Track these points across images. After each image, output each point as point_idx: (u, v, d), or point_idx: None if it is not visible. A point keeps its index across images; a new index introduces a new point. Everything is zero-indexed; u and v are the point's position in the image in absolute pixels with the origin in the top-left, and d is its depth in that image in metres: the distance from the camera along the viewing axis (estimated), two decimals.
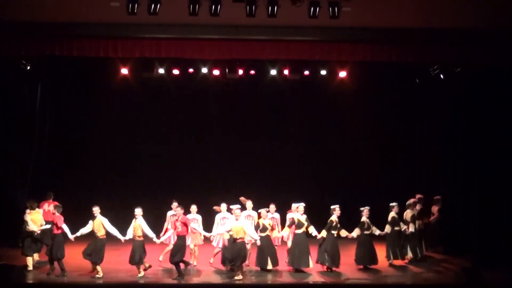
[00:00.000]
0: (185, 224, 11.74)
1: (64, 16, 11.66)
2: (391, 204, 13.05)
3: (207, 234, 12.19)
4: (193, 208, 12.42)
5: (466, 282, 10.88)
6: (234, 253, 11.41)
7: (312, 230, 12.19)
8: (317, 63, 14.62)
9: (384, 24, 11.98)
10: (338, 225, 12.35)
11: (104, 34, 12.28)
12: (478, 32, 12.09)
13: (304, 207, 12.32)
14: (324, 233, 12.15)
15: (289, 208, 12.73)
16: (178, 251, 11.53)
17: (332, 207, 12.44)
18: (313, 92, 16.68)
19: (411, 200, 13.69)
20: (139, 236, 11.61)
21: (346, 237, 12.49)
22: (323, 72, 15.12)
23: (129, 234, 11.74)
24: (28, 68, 14.14)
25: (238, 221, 11.53)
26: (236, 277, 11.32)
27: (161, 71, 15.09)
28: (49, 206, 13.45)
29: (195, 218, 12.35)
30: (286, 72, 15.12)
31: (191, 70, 15.43)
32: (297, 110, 16.99)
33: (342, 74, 15.32)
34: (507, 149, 13.16)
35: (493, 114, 13.37)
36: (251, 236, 11.65)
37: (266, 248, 12.02)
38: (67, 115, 16.25)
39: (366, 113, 16.66)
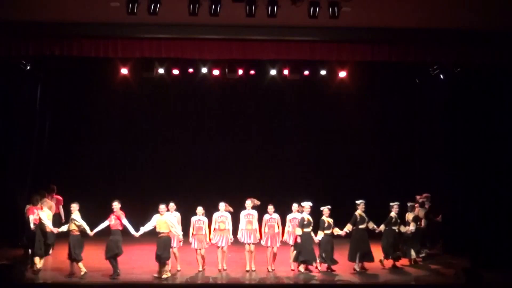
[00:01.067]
0: (119, 218, 11.72)
1: (64, 16, 11.65)
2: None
3: (136, 234, 11.80)
4: (171, 205, 12.13)
5: (466, 282, 10.88)
6: (159, 248, 11.44)
7: (372, 225, 12.59)
8: (317, 63, 14.63)
9: (384, 24, 11.98)
10: (398, 221, 12.79)
11: (104, 34, 12.26)
12: (478, 32, 12.08)
13: (365, 203, 12.65)
14: (382, 227, 12.60)
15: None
16: (113, 246, 11.56)
17: (391, 204, 12.81)
18: (313, 92, 16.68)
19: (419, 199, 13.78)
20: (72, 231, 11.65)
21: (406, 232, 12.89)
22: (323, 72, 15.14)
23: (64, 228, 11.83)
24: (28, 68, 14.14)
25: (162, 216, 11.55)
26: (163, 275, 11.40)
27: (161, 71, 15.11)
28: (51, 200, 13.50)
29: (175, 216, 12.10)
30: (286, 72, 15.14)
31: (191, 70, 15.44)
32: (297, 110, 17.00)
33: (342, 74, 15.34)
34: (507, 149, 13.16)
35: (493, 114, 13.37)
36: (175, 232, 11.63)
37: (331, 246, 12.23)
38: (67, 115, 16.26)
39: (366, 113, 16.67)
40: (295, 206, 12.44)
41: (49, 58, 13.49)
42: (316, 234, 12.30)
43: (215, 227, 12.18)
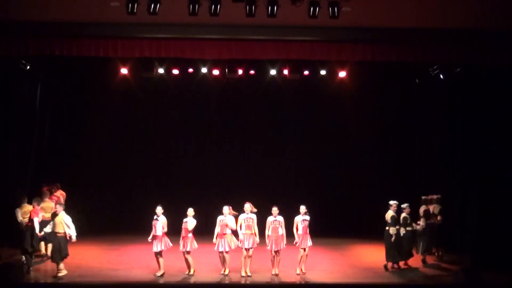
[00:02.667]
0: (31, 216, 11.82)
1: (64, 16, 11.64)
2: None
3: (39, 234, 11.87)
4: (159, 209, 11.77)
5: (466, 282, 10.88)
6: (53, 248, 11.56)
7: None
8: (317, 63, 14.62)
9: (384, 24, 11.96)
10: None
11: (104, 34, 12.24)
12: (478, 32, 12.07)
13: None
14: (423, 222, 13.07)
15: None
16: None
17: (423, 197, 13.24)
18: (313, 92, 16.68)
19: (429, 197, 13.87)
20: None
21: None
22: (323, 72, 15.14)
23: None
24: (28, 68, 14.14)
25: (59, 215, 11.62)
26: (59, 274, 11.40)
27: (161, 71, 15.12)
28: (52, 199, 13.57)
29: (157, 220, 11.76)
30: (286, 72, 15.14)
31: (191, 70, 15.44)
32: (297, 110, 17.00)
33: (342, 74, 15.34)
34: (506, 149, 13.16)
35: (492, 114, 13.38)
36: (69, 233, 11.56)
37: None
38: (67, 115, 16.28)
39: (366, 113, 16.68)
40: (302, 208, 12.02)
41: (49, 58, 13.49)
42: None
43: (218, 231, 11.83)
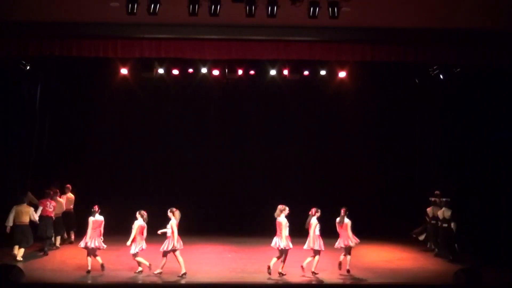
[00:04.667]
0: None
1: (64, 16, 11.66)
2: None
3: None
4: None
5: (466, 282, 10.86)
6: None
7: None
8: (317, 63, 14.64)
9: (384, 24, 11.97)
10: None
11: (104, 34, 12.26)
12: (478, 32, 12.08)
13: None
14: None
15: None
16: None
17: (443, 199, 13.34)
18: (313, 92, 16.69)
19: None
20: None
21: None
22: (323, 72, 15.16)
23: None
24: (28, 68, 14.14)
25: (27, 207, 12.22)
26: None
27: (161, 71, 15.14)
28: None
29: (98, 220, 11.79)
30: (286, 72, 15.15)
31: (190, 70, 15.47)
32: (297, 110, 17.02)
33: (342, 74, 15.35)
34: (507, 149, 13.16)
35: (492, 114, 13.38)
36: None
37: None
38: (67, 115, 16.27)
39: (366, 113, 16.70)
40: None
41: (49, 58, 13.51)
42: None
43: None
